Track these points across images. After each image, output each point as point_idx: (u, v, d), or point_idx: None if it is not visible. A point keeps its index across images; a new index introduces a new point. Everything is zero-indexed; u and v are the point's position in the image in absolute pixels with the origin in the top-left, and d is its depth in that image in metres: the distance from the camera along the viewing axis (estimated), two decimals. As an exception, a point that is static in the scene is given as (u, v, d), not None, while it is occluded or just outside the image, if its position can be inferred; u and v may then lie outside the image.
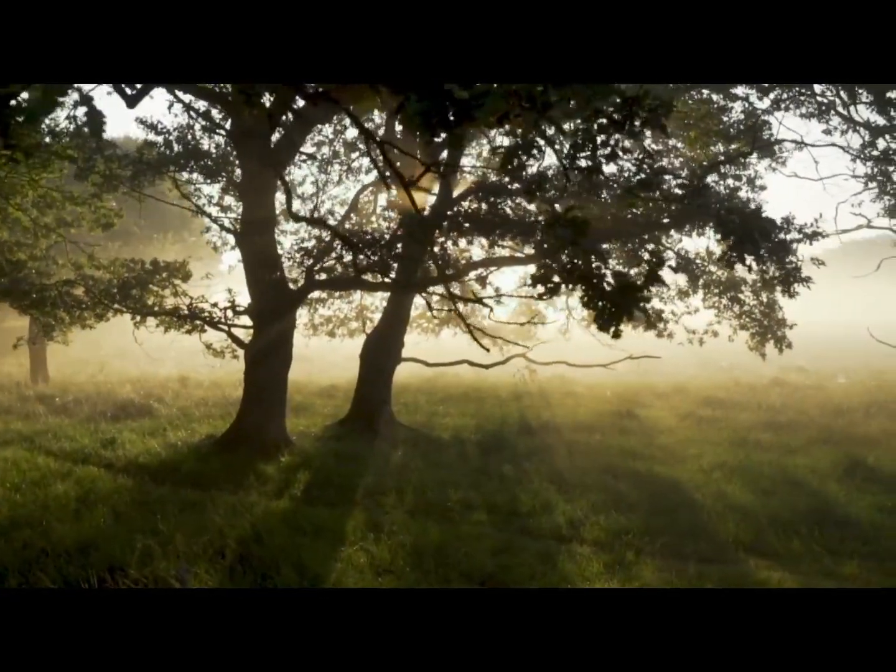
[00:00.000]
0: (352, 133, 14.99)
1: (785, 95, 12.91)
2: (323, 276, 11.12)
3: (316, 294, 15.55)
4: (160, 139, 11.73)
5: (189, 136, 11.56)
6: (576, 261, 3.12)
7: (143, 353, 27.61)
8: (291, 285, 11.34)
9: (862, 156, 11.33)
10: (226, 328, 11.07)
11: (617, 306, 2.92)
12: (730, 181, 14.42)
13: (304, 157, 12.56)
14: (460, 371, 18.83)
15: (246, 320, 11.18)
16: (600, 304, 2.98)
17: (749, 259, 7.89)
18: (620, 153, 3.57)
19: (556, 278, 3.22)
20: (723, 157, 11.09)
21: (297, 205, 14.15)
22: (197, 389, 17.06)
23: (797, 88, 11.71)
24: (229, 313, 10.71)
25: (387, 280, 10.45)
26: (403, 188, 4.18)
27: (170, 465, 9.83)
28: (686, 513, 7.80)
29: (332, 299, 16.88)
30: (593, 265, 3.15)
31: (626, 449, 11.37)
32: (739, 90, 13.04)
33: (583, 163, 3.92)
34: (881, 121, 10.62)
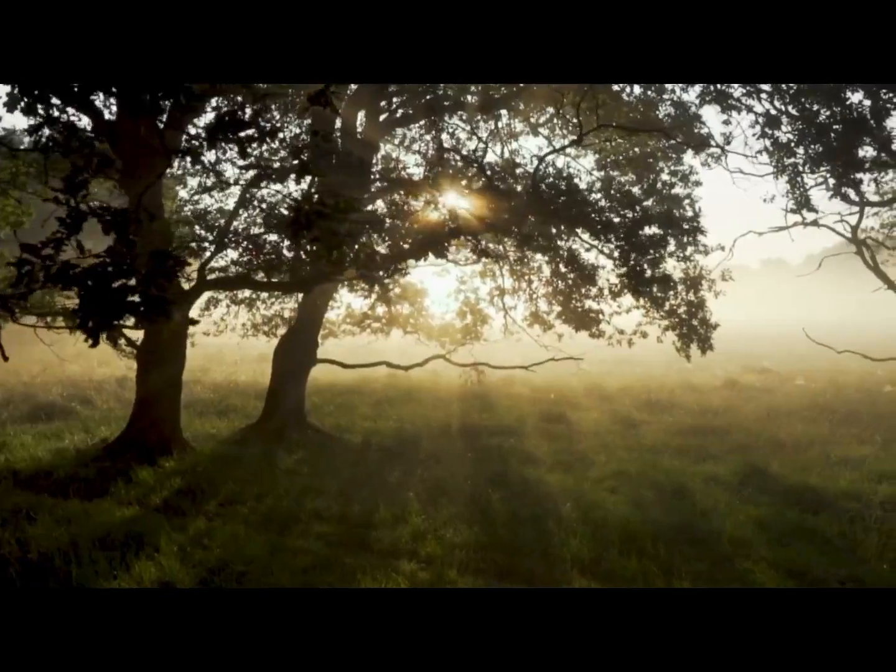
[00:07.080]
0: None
1: (712, 88, 12.36)
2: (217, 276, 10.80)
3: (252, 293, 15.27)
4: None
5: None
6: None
7: (112, 352, 27.38)
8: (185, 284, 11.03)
9: (761, 153, 10.77)
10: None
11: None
12: (665, 176, 13.98)
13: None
14: (412, 372, 18.45)
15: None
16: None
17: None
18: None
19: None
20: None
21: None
22: (133, 391, 16.80)
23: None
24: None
25: (275, 280, 10.12)
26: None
27: (44, 472, 9.56)
28: (538, 526, 7.36)
29: (272, 299, 16.56)
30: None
31: (532, 455, 10.94)
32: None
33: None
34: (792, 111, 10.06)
